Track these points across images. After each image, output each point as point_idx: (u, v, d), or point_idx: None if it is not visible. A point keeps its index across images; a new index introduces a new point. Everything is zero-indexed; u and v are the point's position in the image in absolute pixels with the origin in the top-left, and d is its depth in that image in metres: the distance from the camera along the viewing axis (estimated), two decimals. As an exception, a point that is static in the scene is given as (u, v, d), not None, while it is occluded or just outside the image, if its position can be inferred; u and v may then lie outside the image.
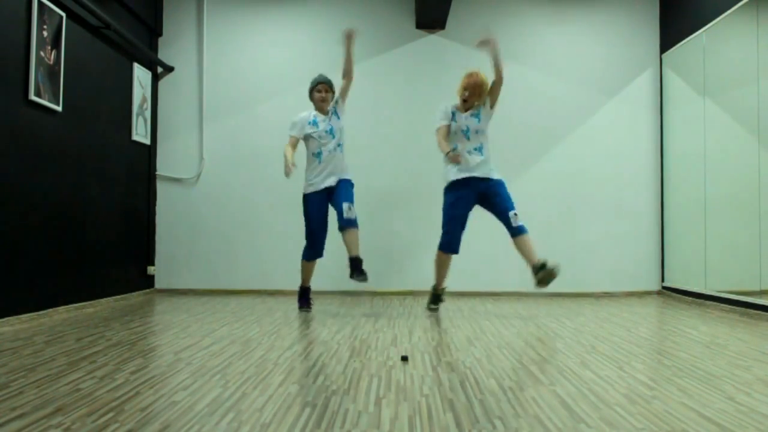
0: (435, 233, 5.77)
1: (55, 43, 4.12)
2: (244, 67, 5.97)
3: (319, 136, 4.52)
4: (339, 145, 4.55)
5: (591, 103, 5.99)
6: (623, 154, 5.97)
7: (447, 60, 5.95)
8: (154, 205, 5.86)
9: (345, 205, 4.33)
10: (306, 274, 4.62)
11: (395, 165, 5.91)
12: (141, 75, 5.52)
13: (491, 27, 5.73)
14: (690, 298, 5.30)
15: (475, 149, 4.44)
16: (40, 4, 3.92)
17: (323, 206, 4.50)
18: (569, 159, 5.95)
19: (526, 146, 5.93)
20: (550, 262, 4.22)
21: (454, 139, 4.47)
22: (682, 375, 2.51)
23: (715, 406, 2.06)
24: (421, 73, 5.96)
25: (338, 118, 4.59)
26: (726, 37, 4.86)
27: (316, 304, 4.90)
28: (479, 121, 4.45)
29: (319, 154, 4.52)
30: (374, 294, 5.73)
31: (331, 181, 4.49)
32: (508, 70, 5.96)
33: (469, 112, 4.47)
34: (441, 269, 4.52)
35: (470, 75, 4.46)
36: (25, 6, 3.82)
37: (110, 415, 1.92)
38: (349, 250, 4.34)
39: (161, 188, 5.90)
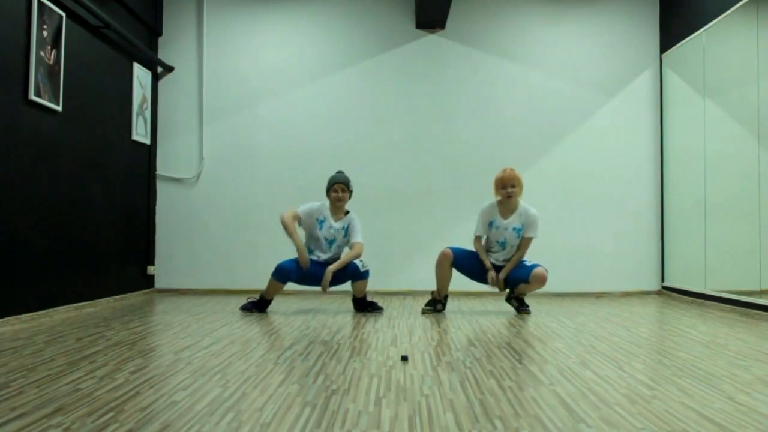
0: (435, 233, 5.80)
1: (55, 43, 4.12)
2: (244, 67, 5.97)
3: (317, 238, 4.48)
4: (333, 258, 4.46)
5: (591, 103, 5.99)
6: (623, 153, 5.97)
7: (447, 60, 5.95)
8: (154, 205, 5.86)
9: (359, 263, 4.40)
10: (271, 290, 4.47)
11: (395, 165, 5.91)
12: (141, 75, 5.52)
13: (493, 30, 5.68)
14: (690, 298, 5.30)
15: (505, 260, 4.48)
16: (40, 4, 3.92)
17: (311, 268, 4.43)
18: (569, 159, 5.95)
19: (526, 146, 5.93)
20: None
21: (488, 244, 4.51)
22: (682, 375, 2.51)
23: (715, 406, 2.06)
24: (421, 73, 5.96)
25: (345, 235, 4.49)
26: (726, 37, 4.86)
27: (317, 304, 4.90)
28: (518, 237, 4.43)
29: (311, 251, 4.49)
30: (374, 294, 5.72)
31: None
32: (507, 69, 5.99)
33: (511, 224, 4.42)
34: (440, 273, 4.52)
35: (504, 170, 4.44)
36: (25, 6, 3.82)
37: (110, 415, 1.92)
38: (357, 294, 4.53)
39: (161, 188, 5.90)
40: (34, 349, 2.98)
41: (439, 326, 3.84)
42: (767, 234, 4.33)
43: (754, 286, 4.46)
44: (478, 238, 4.53)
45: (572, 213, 5.93)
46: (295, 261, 4.40)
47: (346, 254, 4.47)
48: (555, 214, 5.92)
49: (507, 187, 4.39)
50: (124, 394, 2.16)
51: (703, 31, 5.12)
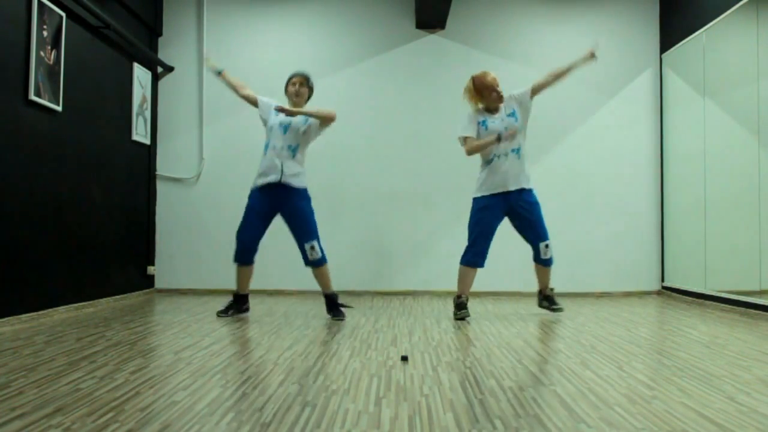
0: (436, 233, 5.80)
1: (55, 43, 4.12)
2: (244, 66, 5.95)
3: (270, 128, 4.04)
4: (291, 148, 3.99)
5: (591, 103, 5.99)
6: (623, 154, 5.97)
7: (447, 60, 5.95)
8: (154, 205, 5.86)
9: (307, 247, 3.98)
10: (240, 278, 4.14)
11: (395, 165, 5.91)
12: (141, 75, 5.52)
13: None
14: (690, 298, 5.30)
15: (513, 151, 4.11)
16: (40, 4, 3.92)
17: (263, 207, 4.06)
18: (569, 159, 5.94)
19: (525, 146, 5.92)
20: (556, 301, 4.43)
21: (486, 155, 4.14)
22: (682, 375, 2.51)
23: (715, 406, 2.06)
24: (421, 73, 5.95)
25: (305, 122, 4.03)
26: (726, 37, 4.86)
27: (317, 304, 4.90)
28: (517, 119, 4.10)
29: (265, 147, 4.08)
30: (374, 294, 5.73)
31: (272, 178, 3.98)
32: (507, 69, 5.98)
33: (502, 114, 4.13)
34: (464, 281, 4.20)
35: (485, 73, 4.11)
36: (25, 6, 3.82)
37: (110, 415, 1.92)
38: (321, 287, 4.15)
39: (161, 188, 5.90)
40: (34, 349, 2.98)
41: (439, 326, 3.84)
42: (767, 234, 4.33)
43: (754, 286, 4.46)
44: (468, 139, 4.09)
45: (572, 213, 5.92)
46: (238, 231, 4.07)
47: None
48: (555, 213, 5.89)
49: (495, 89, 4.06)
50: (124, 394, 2.16)
51: (703, 31, 5.12)
